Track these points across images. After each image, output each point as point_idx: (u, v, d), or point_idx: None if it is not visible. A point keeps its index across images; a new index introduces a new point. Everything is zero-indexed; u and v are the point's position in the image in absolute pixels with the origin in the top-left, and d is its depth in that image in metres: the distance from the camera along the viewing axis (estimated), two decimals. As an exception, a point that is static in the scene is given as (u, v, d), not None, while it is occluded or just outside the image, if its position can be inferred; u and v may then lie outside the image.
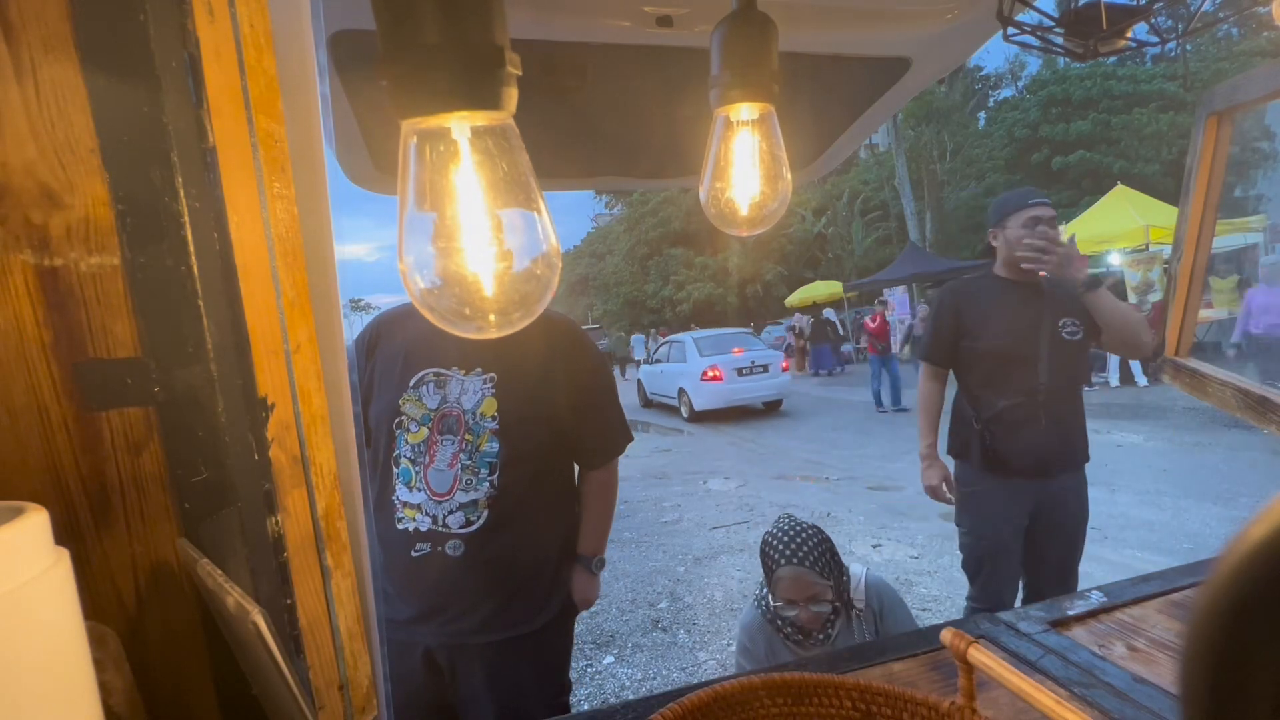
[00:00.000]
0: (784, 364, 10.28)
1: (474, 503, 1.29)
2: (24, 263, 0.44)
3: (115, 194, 0.46)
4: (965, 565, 2.22)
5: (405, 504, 1.29)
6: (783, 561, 1.46)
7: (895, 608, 1.54)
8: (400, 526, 1.29)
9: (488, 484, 1.29)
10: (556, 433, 1.38)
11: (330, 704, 0.59)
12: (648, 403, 12.21)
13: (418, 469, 1.29)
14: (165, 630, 0.50)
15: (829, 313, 15.68)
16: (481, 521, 1.29)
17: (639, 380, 12.67)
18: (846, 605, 1.52)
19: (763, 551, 1.54)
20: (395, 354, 1.35)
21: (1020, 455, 2.02)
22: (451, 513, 1.28)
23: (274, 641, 0.38)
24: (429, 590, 1.30)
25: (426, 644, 1.33)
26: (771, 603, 1.52)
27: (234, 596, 0.40)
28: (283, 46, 0.55)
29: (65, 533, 0.46)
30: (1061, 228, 2.14)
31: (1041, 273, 2.01)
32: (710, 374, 9.70)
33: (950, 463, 2.23)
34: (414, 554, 1.28)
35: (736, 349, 10.06)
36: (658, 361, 11.57)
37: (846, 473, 6.07)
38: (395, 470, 1.30)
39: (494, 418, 1.30)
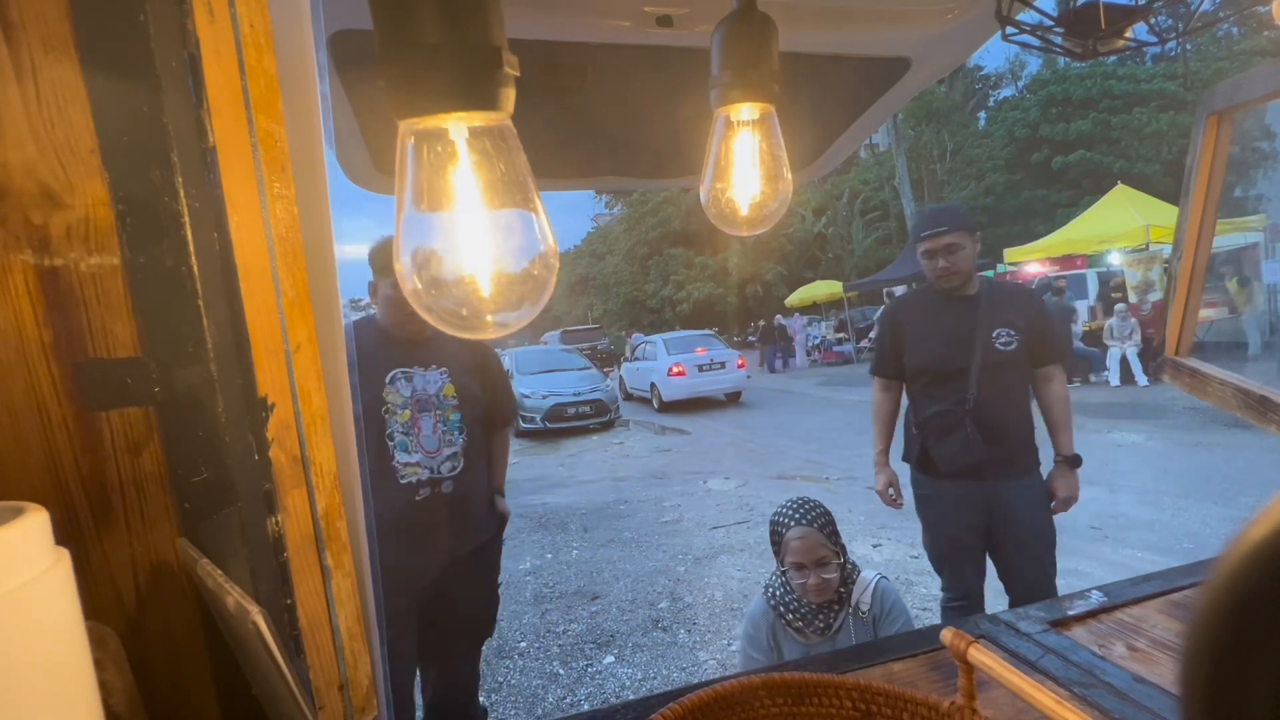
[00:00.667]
0: (740, 362, 11.74)
1: (455, 454, 1.87)
2: (24, 263, 0.44)
3: (115, 194, 0.46)
4: (930, 559, 2.39)
5: (406, 464, 1.79)
6: (792, 524, 1.55)
7: (897, 618, 1.56)
8: (404, 481, 1.78)
9: (461, 440, 1.88)
10: (483, 404, 2.00)
11: (330, 704, 0.59)
12: (628, 396, 13.31)
13: (410, 439, 1.81)
14: (165, 630, 0.50)
15: (779, 319, 17.60)
16: (462, 465, 1.88)
17: (620, 376, 13.93)
18: (849, 594, 1.57)
19: (772, 527, 1.63)
20: (365, 359, 1.80)
21: (946, 460, 2.11)
22: (443, 462, 1.85)
23: (274, 641, 0.38)
24: (425, 523, 1.82)
25: (409, 566, 1.80)
26: (781, 572, 1.60)
27: (234, 596, 0.40)
28: (283, 46, 0.55)
29: (65, 533, 0.46)
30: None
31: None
32: (675, 370, 11.28)
33: (906, 469, 2.35)
34: (418, 498, 1.80)
35: (700, 349, 11.66)
36: (636, 360, 13.06)
37: (846, 473, 6.07)
38: (391, 444, 1.78)
39: (454, 397, 1.89)
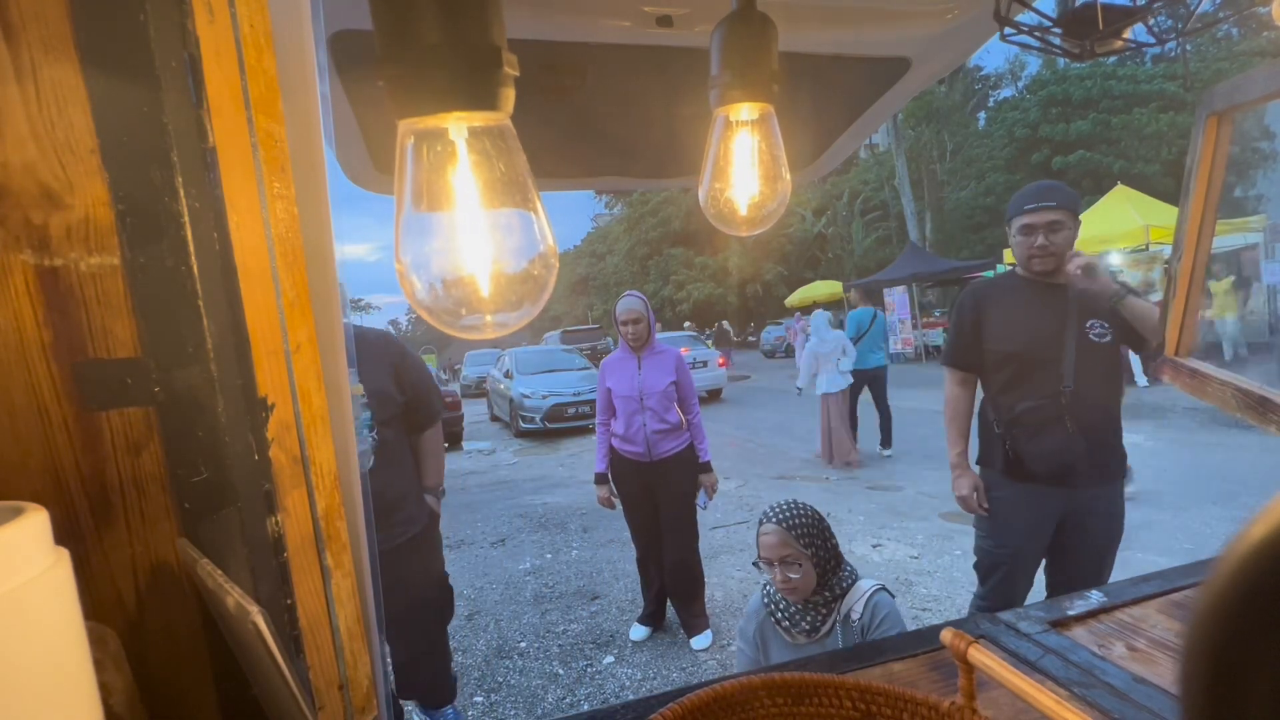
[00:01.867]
0: (720, 361, 12.17)
1: (364, 452, 1.84)
2: (24, 263, 0.44)
3: (115, 194, 0.46)
4: (978, 567, 2.17)
5: None
6: (763, 521, 1.61)
7: (888, 632, 1.52)
8: None
9: (370, 439, 1.91)
10: (399, 405, 2.09)
11: (330, 704, 0.59)
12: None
13: None
14: (165, 630, 0.50)
15: (724, 322, 19.40)
16: (372, 463, 1.88)
17: None
18: (839, 600, 1.57)
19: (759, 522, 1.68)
20: None
21: (1041, 461, 1.94)
22: None
23: (274, 641, 0.38)
24: None
25: None
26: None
27: (234, 596, 0.40)
28: (283, 46, 0.55)
29: (65, 533, 0.46)
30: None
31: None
32: None
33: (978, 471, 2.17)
34: None
35: (684, 349, 12.28)
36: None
37: (846, 473, 6.07)
38: None
39: (361, 395, 1.97)
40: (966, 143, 22.68)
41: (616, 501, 3.13)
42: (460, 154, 0.50)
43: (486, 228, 0.51)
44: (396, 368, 2.13)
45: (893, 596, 1.59)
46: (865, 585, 1.59)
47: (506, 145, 0.51)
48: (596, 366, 12.64)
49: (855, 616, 1.54)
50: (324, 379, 0.59)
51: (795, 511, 1.61)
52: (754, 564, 1.64)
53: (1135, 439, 6.10)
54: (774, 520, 1.59)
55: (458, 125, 0.50)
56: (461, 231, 0.51)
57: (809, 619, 1.57)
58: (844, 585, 1.59)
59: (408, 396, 2.13)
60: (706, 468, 3.05)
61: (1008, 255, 11.92)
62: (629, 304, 3.00)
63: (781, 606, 1.61)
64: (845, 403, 6.36)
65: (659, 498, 3.04)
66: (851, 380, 6.36)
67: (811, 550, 1.56)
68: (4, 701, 0.29)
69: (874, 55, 1.16)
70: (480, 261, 0.51)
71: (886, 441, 6.62)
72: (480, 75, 0.48)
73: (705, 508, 3.15)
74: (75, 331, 0.46)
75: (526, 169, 0.52)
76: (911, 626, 3.00)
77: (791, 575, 1.55)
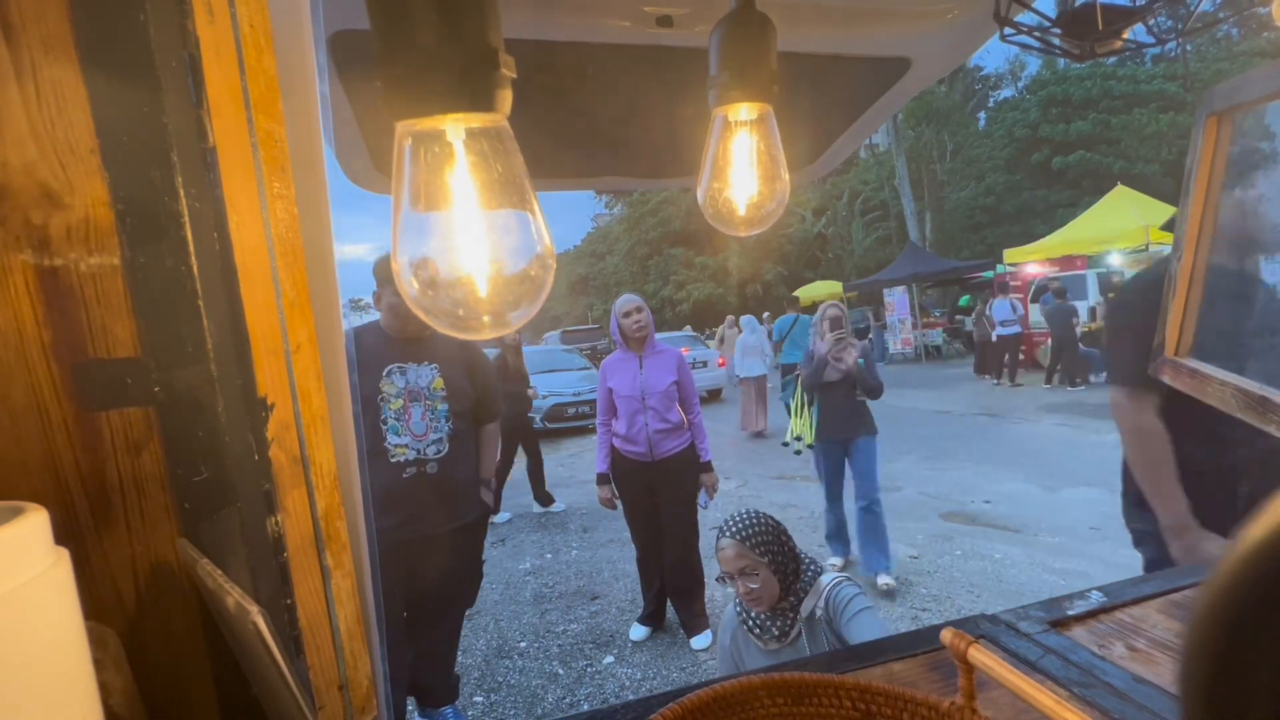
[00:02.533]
0: (720, 361, 12.16)
1: (440, 439, 2.21)
2: (24, 263, 0.44)
3: (115, 194, 0.46)
4: None
5: (395, 445, 2.14)
6: (720, 536, 1.64)
7: (854, 612, 1.49)
8: (393, 460, 2.13)
9: (447, 428, 2.22)
10: (471, 400, 2.33)
11: (330, 704, 0.59)
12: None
13: (401, 424, 2.16)
14: (165, 630, 0.50)
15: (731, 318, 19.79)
16: (446, 449, 2.22)
17: None
18: (799, 603, 1.59)
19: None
20: (367, 356, 2.17)
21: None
22: (429, 445, 2.19)
23: (274, 641, 0.38)
24: (412, 499, 2.15)
25: (399, 539, 2.13)
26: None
27: (234, 596, 0.40)
28: (283, 46, 0.55)
29: (65, 533, 0.46)
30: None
31: None
32: None
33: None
34: (404, 476, 2.15)
35: (684, 349, 12.04)
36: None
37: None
38: (384, 427, 2.14)
39: (441, 389, 2.24)
40: (966, 143, 22.69)
41: (618, 501, 3.13)
42: (458, 155, 0.50)
43: (484, 228, 0.51)
44: (470, 365, 2.37)
45: (858, 587, 1.58)
46: (825, 580, 1.58)
47: (504, 146, 0.51)
48: (597, 366, 12.65)
49: (818, 613, 1.55)
50: (324, 379, 0.59)
51: (750, 522, 1.62)
52: (717, 579, 1.66)
53: (1135, 439, 6.08)
54: (729, 534, 1.61)
55: (455, 126, 0.50)
56: (459, 232, 0.51)
57: (778, 625, 1.59)
58: (806, 587, 1.60)
59: (478, 393, 2.37)
60: (707, 467, 3.07)
61: (1008, 255, 11.93)
62: (628, 298, 3.06)
63: (752, 615, 1.64)
64: (763, 386, 8.36)
65: (660, 497, 3.05)
66: (765, 370, 8.29)
67: (768, 558, 1.57)
68: (4, 701, 0.29)
69: (874, 55, 1.16)
70: (478, 262, 0.51)
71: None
72: (477, 77, 0.48)
73: (706, 507, 3.17)
74: (75, 331, 0.46)
75: (524, 170, 0.52)
76: (911, 626, 3.01)
77: (752, 585, 1.56)
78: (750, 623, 1.64)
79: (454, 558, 2.30)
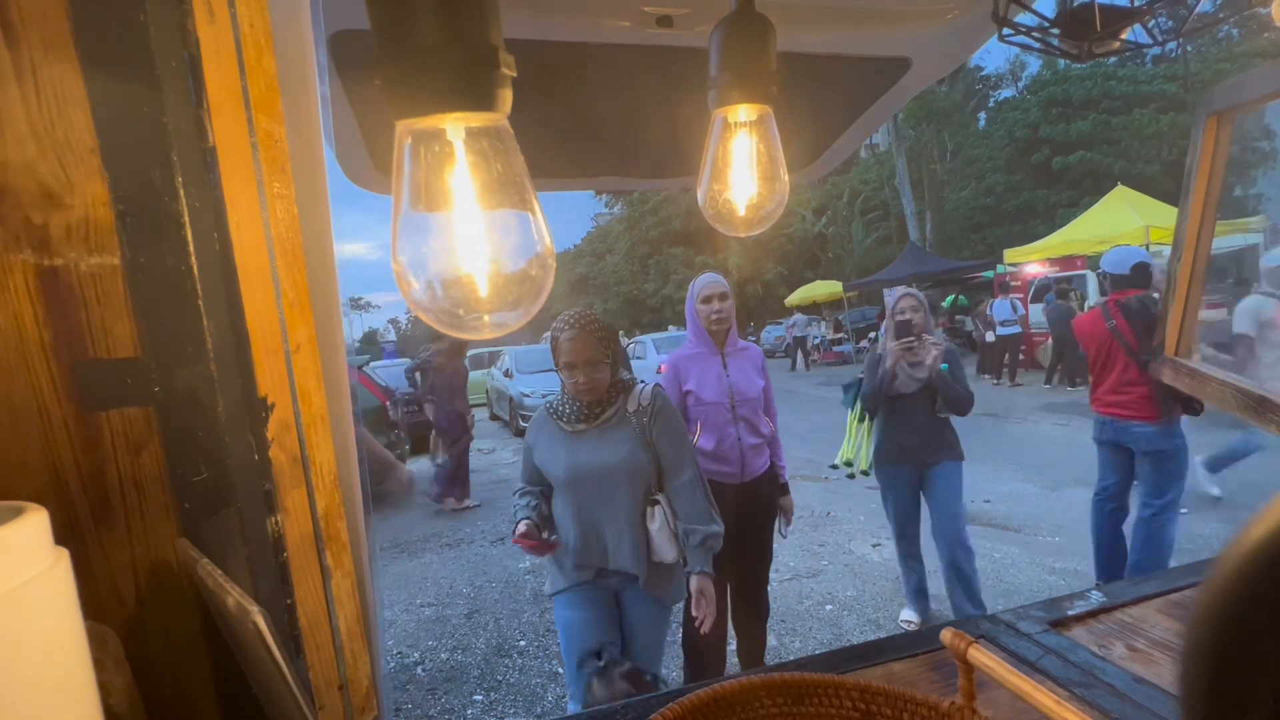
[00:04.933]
0: None
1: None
2: (24, 263, 0.44)
3: (115, 194, 0.46)
4: None
5: None
6: (564, 329, 1.69)
7: (669, 418, 1.79)
8: None
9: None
10: None
11: (330, 704, 0.59)
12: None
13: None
14: (165, 630, 0.50)
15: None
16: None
17: None
18: (620, 394, 1.77)
19: (552, 333, 1.76)
20: None
21: None
22: None
23: (274, 641, 0.38)
24: None
25: None
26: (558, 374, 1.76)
27: (234, 596, 0.40)
28: (283, 46, 0.55)
29: (65, 533, 0.46)
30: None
31: None
32: (662, 368, 12.26)
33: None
34: None
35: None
36: (637, 359, 13.86)
37: (846, 472, 6.06)
38: None
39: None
40: (967, 143, 22.69)
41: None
42: (458, 154, 0.50)
43: (484, 228, 0.51)
44: None
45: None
46: (642, 387, 1.82)
47: (504, 146, 0.51)
48: (596, 366, 12.71)
49: (644, 404, 1.76)
50: (324, 379, 0.59)
51: (591, 318, 1.72)
52: (554, 370, 1.77)
53: (1135, 439, 6.08)
54: (575, 327, 1.68)
55: (455, 126, 0.50)
56: (459, 231, 0.51)
57: (588, 410, 1.74)
58: (626, 383, 1.80)
59: None
60: (785, 489, 2.49)
61: (1008, 255, 11.93)
62: (711, 278, 2.38)
63: (568, 406, 1.76)
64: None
65: (744, 524, 2.38)
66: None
67: (610, 354, 1.72)
68: (4, 701, 0.29)
69: (874, 55, 1.16)
70: (478, 262, 0.51)
71: None
72: (477, 76, 0.48)
73: (786, 537, 2.60)
74: (75, 331, 0.46)
75: (524, 169, 0.52)
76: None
77: (596, 375, 1.69)
78: (565, 411, 1.76)
79: None
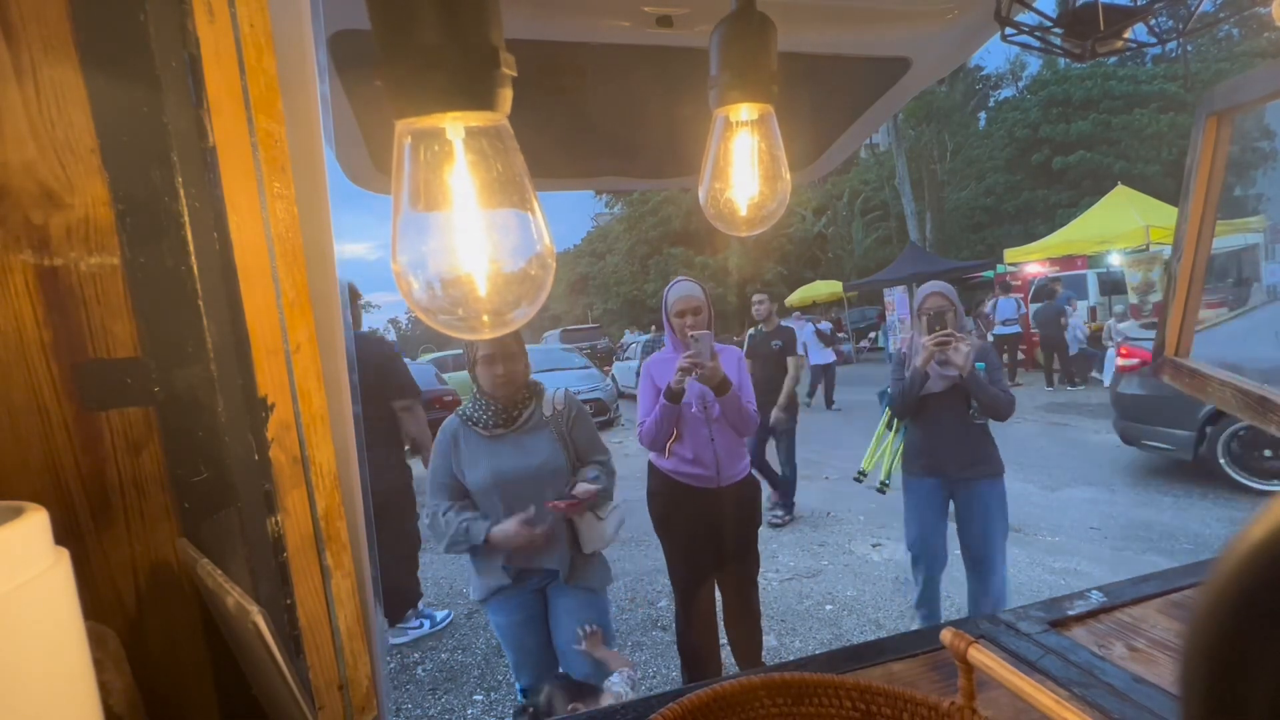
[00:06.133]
0: None
1: None
2: (24, 263, 0.44)
3: (115, 194, 0.46)
4: None
5: None
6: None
7: (584, 420, 1.92)
8: None
9: None
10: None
11: (330, 704, 0.59)
12: (619, 394, 13.56)
13: None
14: (165, 630, 0.50)
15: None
16: None
17: (612, 375, 14.31)
18: (531, 397, 1.85)
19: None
20: None
21: None
22: None
23: (274, 641, 0.38)
24: None
25: None
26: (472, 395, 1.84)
27: (234, 596, 0.40)
28: (283, 46, 0.55)
29: (65, 533, 0.46)
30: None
31: None
32: None
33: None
34: None
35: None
36: (628, 359, 13.83)
37: (846, 473, 6.06)
38: None
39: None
40: (967, 143, 22.68)
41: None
42: (457, 154, 0.50)
43: (483, 228, 0.51)
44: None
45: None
46: (552, 388, 1.91)
47: (504, 145, 0.51)
48: (596, 366, 12.66)
49: (559, 407, 1.85)
50: (324, 379, 0.59)
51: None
52: (468, 373, 1.83)
53: (1135, 439, 6.09)
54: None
55: (455, 125, 0.50)
56: (458, 231, 0.51)
57: (504, 415, 1.78)
58: (536, 386, 1.88)
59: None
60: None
61: (1008, 255, 11.93)
62: (687, 290, 2.24)
63: (483, 411, 1.79)
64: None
65: (723, 530, 2.34)
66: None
67: (524, 349, 1.79)
68: (4, 701, 0.29)
69: (874, 55, 1.16)
70: (477, 261, 0.51)
71: None
72: (477, 75, 0.48)
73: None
74: (75, 331, 0.46)
75: (524, 169, 0.52)
76: (911, 626, 3.00)
77: (516, 368, 1.76)
78: (481, 417, 1.79)
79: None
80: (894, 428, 2.72)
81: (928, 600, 2.65)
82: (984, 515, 2.39)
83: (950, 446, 2.43)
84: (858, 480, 3.05)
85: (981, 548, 2.40)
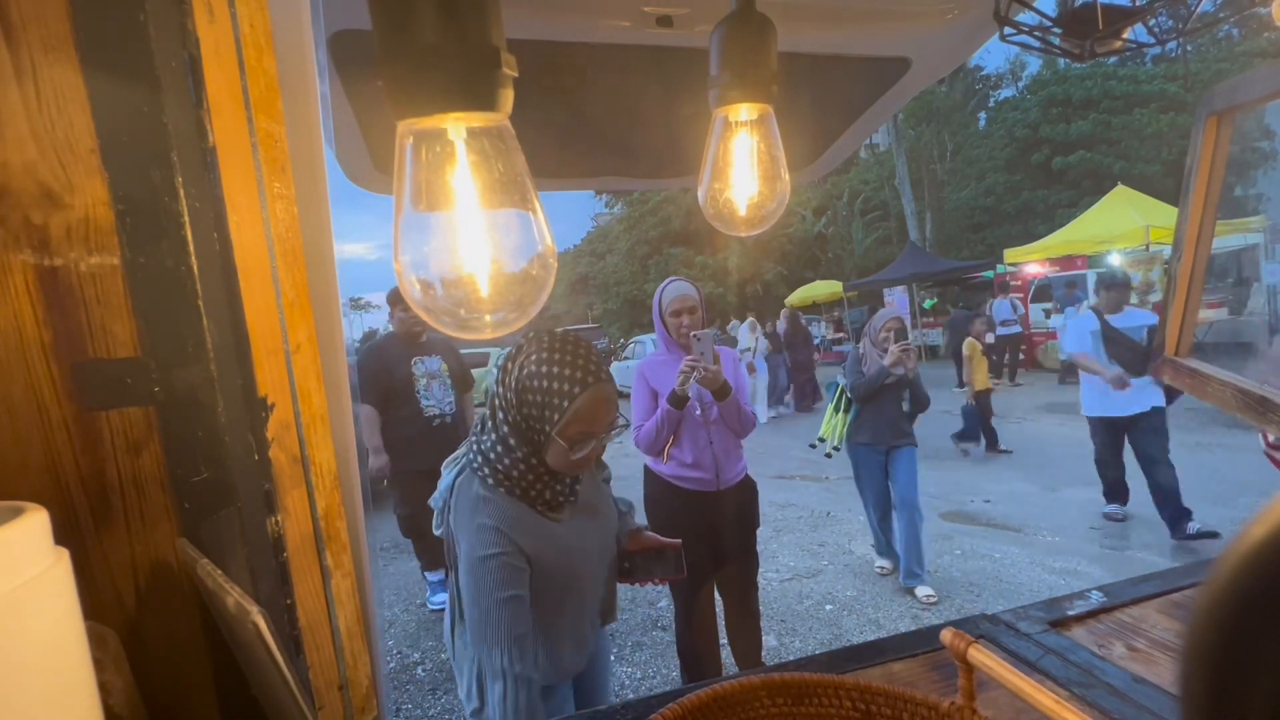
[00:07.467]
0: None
1: (451, 401, 3.51)
2: (24, 263, 0.44)
3: (115, 194, 0.46)
4: None
5: (426, 406, 3.38)
6: (591, 382, 1.11)
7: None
8: (426, 415, 3.34)
9: (453, 394, 3.50)
10: (459, 377, 3.58)
11: (330, 704, 0.59)
12: (619, 394, 13.56)
13: (429, 394, 3.42)
14: (165, 630, 0.50)
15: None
16: (455, 409, 3.48)
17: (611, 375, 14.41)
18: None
19: (544, 383, 1.10)
20: (395, 354, 3.45)
21: None
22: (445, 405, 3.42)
23: (274, 641, 0.38)
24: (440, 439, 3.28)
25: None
26: (555, 440, 1.11)
27: (234, 596, 0.40)
28: (283, 46, 0.55)
29: (65, 533, 0.46)
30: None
31: None
32: None
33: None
34: (434, 425, 3.35)
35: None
36: (627, 359, 13.84)
37: (846, 473, 6.06)
38: (419, 397, 3.38)
39: (447, 371, 3.48)
40: (967, 143, 22.68)
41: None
42: (459, 154, 0.50)
43: (485, 228, 0.51)
44: (456, 355, 3.60)
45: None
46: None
47: (505, 145, 0.51)
48: (596, 366, 12.70)
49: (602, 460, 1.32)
50: (324, 379, 0.59)
51: (593, 352, 1.18)
52: (560, 440, 1.12)
53: (1135, 439, 6.09)
54: (605, 380, 1.14)
55: (456, 126, 0.50)
56: (460, 231, 0.51)
57: (573, 487, 1.23)
58: None
59: (462, 372, 3.61)
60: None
61: (1008, 255, 11.93)
62: (682, 289, 2.19)
63: (548, 489, 1.18)
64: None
65: (723, 533, 2.32)
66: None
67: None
68: (4, 701, 0.29)
69: (874, 55, 1.16)
70: (479, 261, 0.51)
71: None
72: (479, 76, 0.48)
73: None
74: (75, 331, 0.46)
75: (525, 169, 0.52)
76: (911, 626, 3.00)
77: (606, 441, 1.18)
78: (534, 492, 1.16)
79: None
80: (841, 408, 3.66)
81: (882, 540, 3.71)
82: (908, 471, 3.41)
83: (887, 424, 3.42)
84: (813, 447, 4.10)
85: (907, 491, 3.39)
